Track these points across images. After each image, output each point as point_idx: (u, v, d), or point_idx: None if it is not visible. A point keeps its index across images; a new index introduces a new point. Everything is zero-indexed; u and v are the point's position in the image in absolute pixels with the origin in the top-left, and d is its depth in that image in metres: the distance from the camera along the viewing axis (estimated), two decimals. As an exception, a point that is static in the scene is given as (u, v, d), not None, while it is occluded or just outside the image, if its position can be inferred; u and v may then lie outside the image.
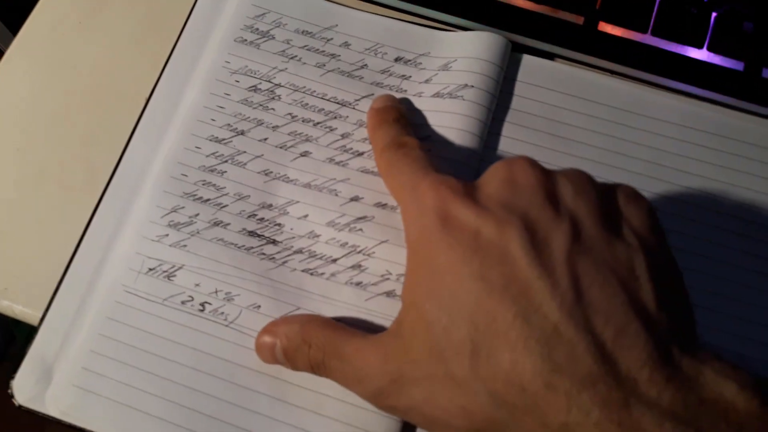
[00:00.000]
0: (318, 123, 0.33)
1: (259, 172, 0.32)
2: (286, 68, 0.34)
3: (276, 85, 0.34)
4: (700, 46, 0.35)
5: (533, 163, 0.24)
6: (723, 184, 0.33)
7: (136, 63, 0.36)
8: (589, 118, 0.34)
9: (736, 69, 0.35)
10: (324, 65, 0.34)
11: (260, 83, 0.34)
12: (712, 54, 0.35)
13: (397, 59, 0.34)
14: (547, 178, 0.24)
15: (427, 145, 0.32)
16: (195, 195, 0.32)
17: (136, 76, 0.35)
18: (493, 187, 0.24)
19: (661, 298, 0.21)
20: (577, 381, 0.19)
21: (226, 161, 0.33)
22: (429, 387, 0.23)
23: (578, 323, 0.20)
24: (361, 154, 0.33)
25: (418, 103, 0.33)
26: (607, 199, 0.24)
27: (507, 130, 0.34)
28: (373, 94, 0.34)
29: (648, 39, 0.35)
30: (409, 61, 0.34)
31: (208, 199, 0.32)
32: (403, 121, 0.31)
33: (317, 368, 0.27)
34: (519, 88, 0.34)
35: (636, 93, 0.35)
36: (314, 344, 0.26)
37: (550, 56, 0.36)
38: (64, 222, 0.33)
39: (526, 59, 0.35)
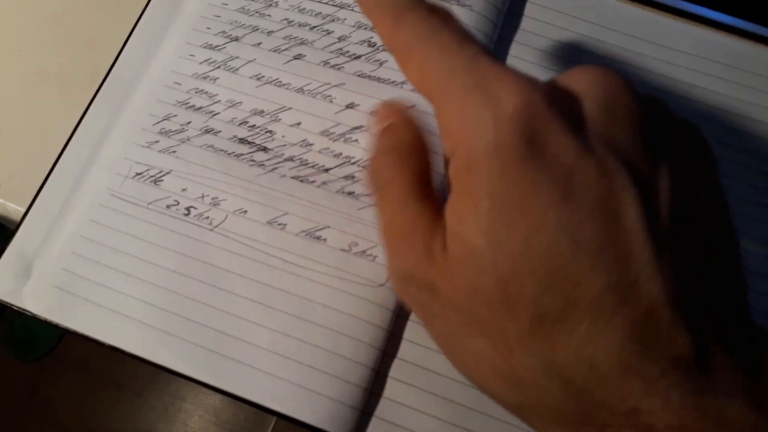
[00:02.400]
0: (314, 27, 0.32)
1: (251, 77, 0.31)
2: (285, -25, 0.33)
3: (274, -8, 0.33)
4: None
5: (630, 85, 0.19)
6: (734, 116, 0.30)
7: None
8: (597, 42, 0.32)
9: None
10: (324, -30, 0.33)
11: (259, -8, 0.33)
12: None
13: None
14: (647, 111, 0.19)
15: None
16: (188, 103, 0.31)
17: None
18: (589, 110, 0.18)
19: (742, 289, 0.19)
20: (665, 367, 0.16)
21: (218, 67, 0.31)
22: (460, 325, 0.19)
23: (678, 306, 0.17)
24: (358, 57, 0.31)
25: (422, 9, 0.32)
26: (709, 155, 0.20)
27: (514, 49, 0.32)
28: (373, -1, 0.32)
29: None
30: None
31: (201, 107, 0.31)
32: None
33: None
34: (529, 9, 0.33)
35: (647, 18, 0.32)
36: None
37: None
38: (62, 122, 0.32)
39: (539, -21, 0.33)
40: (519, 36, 0.32)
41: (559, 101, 0.18)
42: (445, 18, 0.20)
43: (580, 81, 0.19)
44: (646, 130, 0.18)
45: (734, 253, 0.19)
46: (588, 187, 0.17)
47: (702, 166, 0.20)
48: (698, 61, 0.31)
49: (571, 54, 0.32)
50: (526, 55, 0.32)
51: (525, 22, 0.32)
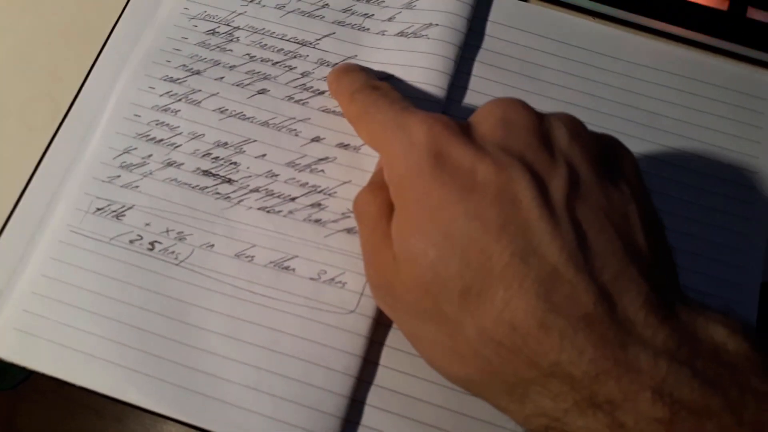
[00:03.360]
0: (277, 62, 0.32)
1: (213, 110, 0.31)
2: (246, 11, 0.33)
3: (235, 28, 0.33)
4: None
5: (526, 105, 0.24)
6: (697, 128, 0.32)
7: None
8: (562, 60, 0.33)
9: (719, 9, 0.34)
10: (284, 6, 0.33)
11: (218, 27, 0.33)
12: None
13: (358, -2, 0.34)
14: (541, 120, 0.23)
15: (393, 84, 0.31)
16: (148, 135, 0.31)
17: (102, 11, 0.34)
18: (487, 127, 0.23)
19: (654, 247, 0.21)
20: (574, 320, 0.19)
21: (180, 100, 0.31)
22: (415, 318, 0.23)
23: (578, 265, 0.20)
24: (321, 92, 0.31)
25: (381, 42, 0.32)
26: (599, 146, 0.23)
27: (477, 69, 0.33)
28: (334, 33, 0.33)
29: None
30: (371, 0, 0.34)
31: (162, 140, 0.31)
32: (368, 70, 0.30)
33: None
34: (491, 29, 0.33)
35: (612, 34, 0.34)
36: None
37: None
38: (24, 159, 0.31)
39: (499, 0, 0.34)
40: (481, 55, 0.33)
41: (461, 127, 0.23)
42: (384, 91, 0.27)
43: (482, 109, 0.24)
44: (542, 136, 0.22)
45: (657, 231, 0.22)
46: (488, 181, 0.21)
47: (616, 165, 0.23)
48: (659, 75, 0.33)
49: (533, 71, 0.32)
50: (489, 75, 0.32)
51: (487, 42, 0.33)
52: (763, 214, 0.31)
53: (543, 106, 0.31)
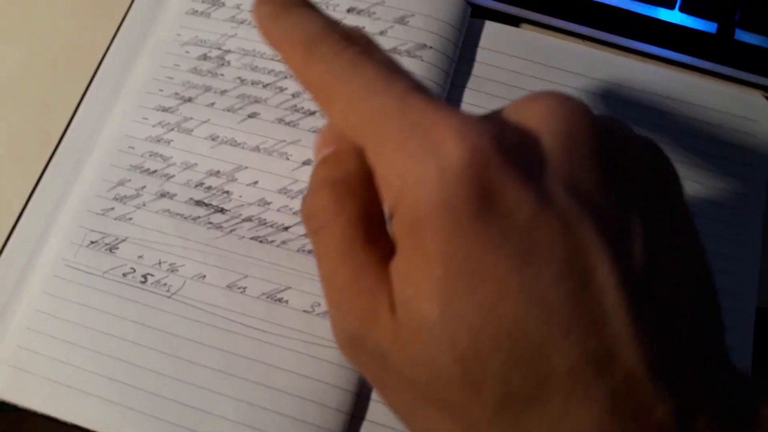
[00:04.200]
0: (267, 84, 0.32)
1: (205, 138, 0.31)
2: (236, 33, 0.33)
3: (226, 51, 0.33)
4: (671, 7, 0.33)
5: (592, 115, 0.17)
6: (688, 151, 0.31)
7: (91, 28, 0.34)
8: (552, 86, 0.32)
9: (708, 31, 0.33)
10: (275, 27, 0.33)
11: (210, 51, 0.33)
12: (684, 15, 0.33)
13: (349, 10, 0.33)
14: (610, 142, 0.17)
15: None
16: (142, 167, 0.31)
17: (92, 40, 0.34)
18: (547, 147, 0.16)
19: (720, 333, 0.17)
20: None
21: (172, 129, 0.31)
22: (414, 397, 0.17)
23: (659, 374, 0.15)
24: (312, 113, 0.31)
25: (374, 62, 0.32)
26: (675, 186, 0.18)
27: (467, 96, 0.32)
28: (325, 54, 0.32)
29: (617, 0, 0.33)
30: (362, 11, 0.33)
31: (155, 171, 0.30)
32: (319, 9, 0.19)
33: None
34: (480, 55, 0.33)
35: (603, 58, 0.33)
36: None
37: (515, 21, 0.34)
38: (15, 192, 0.31)
39: (488, 25, 0.33)
40: (472, 82, 0.32)
41: (512, 144, 0.16)
42: (365, 47, 0.18)
43: (535, 113, 0.17)
44: (612, 166, 0.16)
45: (711, 297, 0.17)
46: (551, 245, 0.15)
47: (667, 194, 0.18)
48: (651, 97, 0.32)
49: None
50: (480, 101, 0.32)
51: (477, 68, 0.32)
52: (756, 237, 0.30)
53: None
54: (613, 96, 0.32)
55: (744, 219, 0.30)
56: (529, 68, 0.32)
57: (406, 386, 0.17)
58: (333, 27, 0.18)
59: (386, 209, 0.17)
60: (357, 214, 0.18)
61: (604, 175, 0.16)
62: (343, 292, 0.17)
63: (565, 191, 0.15)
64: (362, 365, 0.18)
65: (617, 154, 0.17)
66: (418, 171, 0.15)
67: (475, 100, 0.32)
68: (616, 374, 0.14)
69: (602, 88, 0.32)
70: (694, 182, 0.30)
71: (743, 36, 0.32)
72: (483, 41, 0.33)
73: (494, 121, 0.16)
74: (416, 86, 0.16)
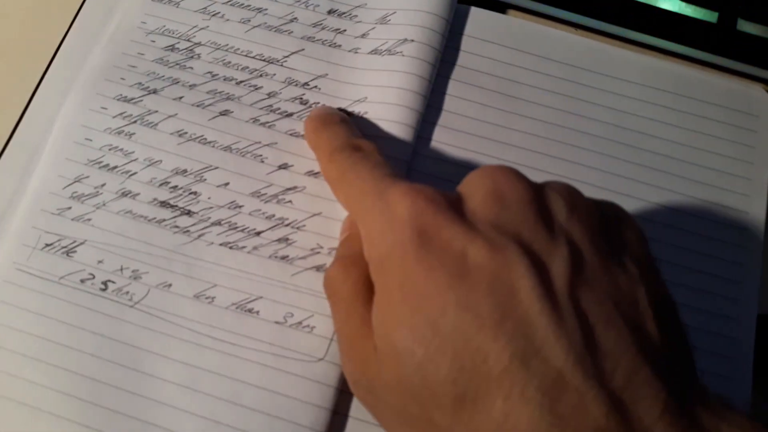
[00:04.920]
0: (241, 81, 0.30)
1: (171, 133, 0.29)
2: (208, 26, 0.31)
3: (196, 44, 0.31)
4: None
5: (519, 175, 0.21)
6: (686, 148, 0.30)
7: (47, 14, 0.32)
8: (542, 76, 0.31)
9: (709, 21, 0.32)
10: (249, 20, 0.31)
11: (178, 42, 0.31)
12: (683, 3, 0.32)
13: (330, 11, 0.31)
14: (536, 192, 0.21)
15: (364, 107, 0.29)
16: (101, 162, 0.29)
17: (47, 28, 0.31)
18: (477, 202, 0.20)
19: (668, 336, 0.19)
20: (583, 423, 0.17)
21: (134, 122, 0.29)
22: (401, 422, 0.20)
23: (587, 370, 0.17)
24: (290, 114, 0.29)
25: (354, 61, 0.30)
26: (600, 217, 0.21)
27: (453, 88, 0.31)
28: (303, 50, 0.30)
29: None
30: (344, 13, 0.31)
31: (116, 167, 0.28)
32: (350, 124, 0.27)
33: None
34: (466, 44, 0.31)
35: (596, 48, 0.31)
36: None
37: (502, 8, 0.33)
38: None
39: (474, 12, 0.32)
40: (456, 73, 0.31)
41: (444, 199, 0.20)
42: (366, 153, 0.25)
43: (471, 180, 0.21)
44: (538, 210, 0.20)
45: (670, 315, 0.20)
46: (481, 266, 0.18)
47: (623, 239, 0.21)
48: (647, 91, 0.31)
49: (512, 89, 0.30)
50: (465, 94, 0.30)
51: (462, 58, 0.31)
52: (758, 243, 0.29)
53: (522, 126, 0.30)
54: (606, 89, 0.31)
55: (745, 220, 0.29)
56: (517, 58, 0.31)
57: (388, 412, 0.20)
58: (350, 141, 0.25)
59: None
60: (359, 280, 0.22)
61: (529, 217, 0.20)
62: (347, 343, 0.22)
63: (492, 227, 0.19)
64: (367, 404, 0.22)
65: (548, 205, 0.20)
66: (379, 225, 0.21)
67: (461, 93, 0.30)
68: (547, 374, 0.17)
69: (595, 80, 0.31)
70: (691, 181, 0.30)
71: (745, 26, 0.32)
72: (468, 29, 0.31)
73: (439, 190, 0.21)
74: (391, 173, 0.23)
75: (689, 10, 0.32)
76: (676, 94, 0.31)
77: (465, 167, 0.29)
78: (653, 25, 0.32)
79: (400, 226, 0.20)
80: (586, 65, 0.31)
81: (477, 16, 0.32)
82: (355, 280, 0.22)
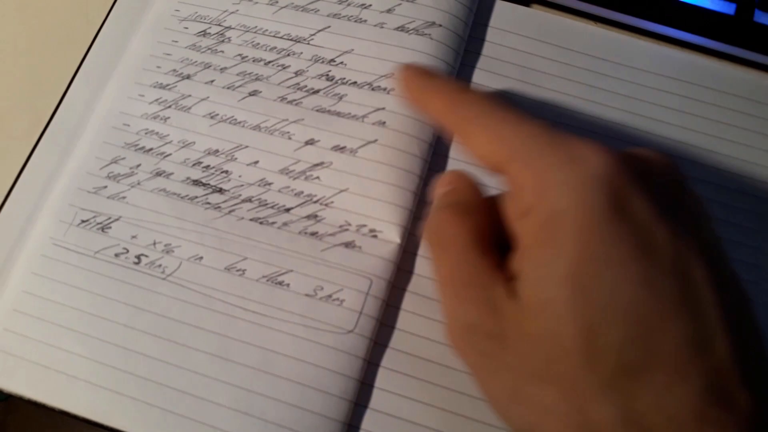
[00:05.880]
0: (269, 62, 0.30)
1: (204, 116, 0.30)
2: (237, 10, 0.32)
3: (226, 27, 0.32)
4: (687, -12, 0.32)
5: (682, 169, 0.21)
6: (705, 137, 0.30)
7: (86, 2, 0.33)
8: (564, 67, 0.31)
9: (726, 12, 0.32)
10: (277, 2, 0.32)
11: (210, 27, 0.32)
12: None
13: (356, -11, 0.32)
14: (690, 190, 0.21)
15: (391, 83, 0.29)
16: (137, 145, 0.29)
17: (86, 16, 0.33)
18: (658, 180, 0.20)
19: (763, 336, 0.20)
20: (734, 422, 0.17)
21: (169, 107, 0.30)
22: (525, 376, 0.19)
23: (742, 371, 0.18)
24: (316, 91, 0.30)
25: (380, 36, 0.31)
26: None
27: (477, 76, 0.31)
28: (330, 27, 0.31)
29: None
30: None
31: (151, 149, 0.29)
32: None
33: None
34: (491, 34, 0.32)
35: (616, 39, 0.32)
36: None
37: (525, 1, 0.33)
38: (3, 172, 0.30)
39: (499, 4, 0.32)
40: (481, 62, 0.31)
41: (638, 166, 0.20)
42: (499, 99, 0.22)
43: (647, 154, 0.21)
44: (698, 207, 0.21)
45: (751, 308, 0.20)
46: (663, 246, 0.18)
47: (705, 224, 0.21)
48: (664, 81, 0.31)
49: (534, 78, 0.31)
50: (490, 82, 0.31)
51: (487, 48, 0.31)
52: None
53: (543, 114, 0.30)
54: (624, 78, 0.31)
55: (760, 206, 0.29)
56: (540, 49, 0.31)
57: (519, 363, 0.19)
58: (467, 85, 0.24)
59: (515, 212, 0.21)
60: (474, 228, 0.21)
61: (691, 212, 0.20)
62: (461, 288, 0.21)
63: (671, 213, 0.19)
64: (474, 352, 0.20)
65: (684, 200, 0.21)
66: (560, 176, 0.19)
67: (485, 81, 0.31)
68: (711, 360, 0.17)
69: (614, 70, 0.31)
70: (709, 168, 0.29)
71: (763, 18, 0.32)
72: (493, 20, 0.32)
73: (620, 150, 0.20)
74: (554, 130, 0.21)
75: (707, 2, 0.32)
76: (694, 84, 0.31)
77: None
78: (671, 16, 0.32)
79: (594, 181, 0.19)
80: (605, 56, 0.31)
81: (502, 8, 0.32)
82: (470, 228, 0.21)
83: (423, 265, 0.27)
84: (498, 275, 0.20)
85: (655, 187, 0.20)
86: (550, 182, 0.19)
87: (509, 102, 0.22)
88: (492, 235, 0.22)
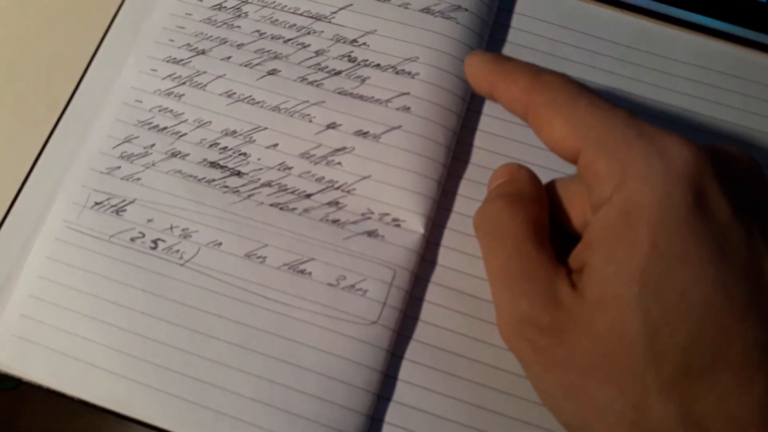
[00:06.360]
0: (289, 39, 0.29)
1: (220, 94, 0.29)
2: (255, -18, 0.31)
3: (243, 2, 0.30)
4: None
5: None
6: (736, 127, 0.29)
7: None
8: (591, 54, 0.30)
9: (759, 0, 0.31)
10: (296, -24, 0.31)
11: (226, 1, 0.30)
12: None
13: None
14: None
15: (416, 67, 0.28)
16: (150, 123, 0.28)
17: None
18: (738, 178, 0.20)
19: None
20: None
21: (184, 83, 0.29)
22: (581, 372, 0.19)
23: None
24: (338, 72, 0.29)
25: (404, 17, 0.29)
26: None
27: (501, 61, 0.30)
28: (352, 5, 0.30)
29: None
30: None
31: (165, 127, 0.28)
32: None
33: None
34: (516, 21, 0.31)
35: (643, 27, 0.31)
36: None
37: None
38: (21, 156, 0.28)
39: (524, -10, 0.31)
40: (507, 49, 0.30)
41: (718, 164, 0.19)
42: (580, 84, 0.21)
43: (731, 151, 0.20)
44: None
45: None
46: (738, 247, 0.18)
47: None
48: (696, 71, 0.30)
49: (560, 66, 0.30)
50: None
51: (512, 35, 0.31)
52: None
53: None
54: (651, 67, 0.30)
55: None
56: (566, 36, 0.31)
57: (577, 358, 0.19)
58: (556, 73, 0.22)
59: (587, 202, 0.21)
60: (529, 220, 0.21)
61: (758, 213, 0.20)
62: (516, 280, 0.20)
63: (746, 213, 0.19)
64: (527, 345, 0.20)
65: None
66: (642, 167, 0.18)
67: (509, 67, 0.30)
68: None
69: (641, 59, 0.30)
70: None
71: None
72: (519, 7, 0.31)
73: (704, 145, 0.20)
74: (633, 112, 0.20)
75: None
76: (723, 73, 0.30)
77: (513, 141, 0.29)
78: (700, 3, 0.31)
79: (678, 176, 0.18)
80: (632, 44, 0.31)
81: None
82: (524, 219, 0.21)
83: (447, 255, 0.27)
84: (556, 268, 0.20)
85: (736, 185, 0.19)
86: (632, 173, 0.19)
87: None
88: (550, 226, 0.21)
